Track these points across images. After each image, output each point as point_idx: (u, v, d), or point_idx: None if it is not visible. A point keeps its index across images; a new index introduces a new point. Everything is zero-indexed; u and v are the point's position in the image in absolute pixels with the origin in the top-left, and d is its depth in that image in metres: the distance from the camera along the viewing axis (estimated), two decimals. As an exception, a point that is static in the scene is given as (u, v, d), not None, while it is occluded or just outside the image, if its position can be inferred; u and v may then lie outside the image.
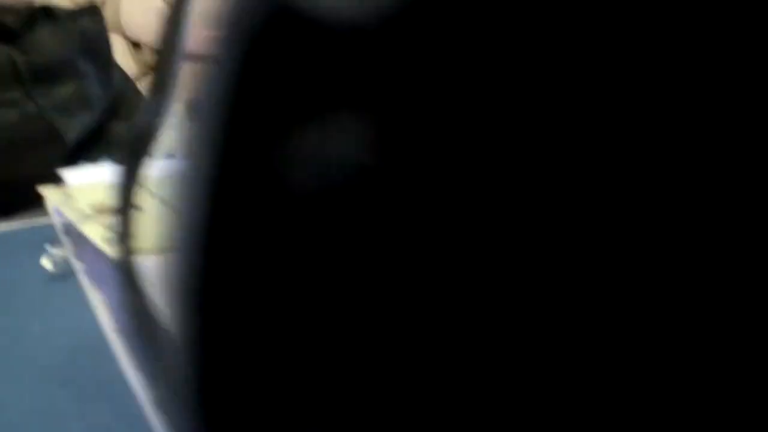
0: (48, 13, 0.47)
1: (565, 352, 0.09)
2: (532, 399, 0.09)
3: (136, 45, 1.28)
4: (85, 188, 0.36)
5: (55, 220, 0.37)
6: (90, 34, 0.47)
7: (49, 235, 0.35)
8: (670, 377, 0.09)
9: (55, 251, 0.35)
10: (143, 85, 1.21)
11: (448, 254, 0.09)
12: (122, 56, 1.24)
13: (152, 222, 0.13)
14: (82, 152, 0.45)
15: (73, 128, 0.46)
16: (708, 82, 0.08)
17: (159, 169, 0.16)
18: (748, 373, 0.09)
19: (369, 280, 0.09)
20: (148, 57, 1.27)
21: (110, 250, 0.28)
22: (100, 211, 0.34)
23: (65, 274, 0.33)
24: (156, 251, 0.11)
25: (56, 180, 0.38)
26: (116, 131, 0.47)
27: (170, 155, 0.12)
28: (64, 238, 0.35)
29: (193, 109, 0.10)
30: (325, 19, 0.08)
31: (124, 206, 0.17)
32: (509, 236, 0.09)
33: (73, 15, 0.48)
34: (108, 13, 1.28)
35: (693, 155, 0.08)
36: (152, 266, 0.13)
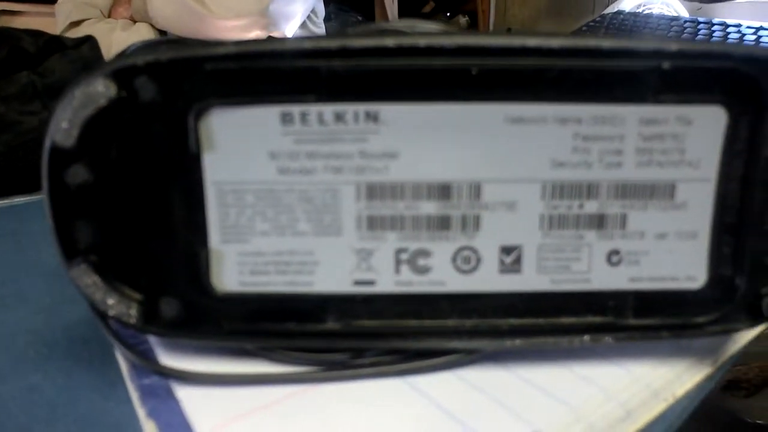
0: (57, 42, 0.58)
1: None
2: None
3: (163, 34, 1.31)
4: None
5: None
6: (90, 60, 0.56)
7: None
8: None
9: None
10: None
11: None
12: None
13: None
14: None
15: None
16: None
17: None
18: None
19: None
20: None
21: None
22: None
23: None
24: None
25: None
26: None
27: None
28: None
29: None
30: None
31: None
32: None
33: (77, 44, 0.58)
34: (137, 4, 1.31)
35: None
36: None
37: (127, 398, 0.24)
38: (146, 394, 0.24)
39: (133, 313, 0.23)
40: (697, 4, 1.44)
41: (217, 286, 0.24)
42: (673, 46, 0.21)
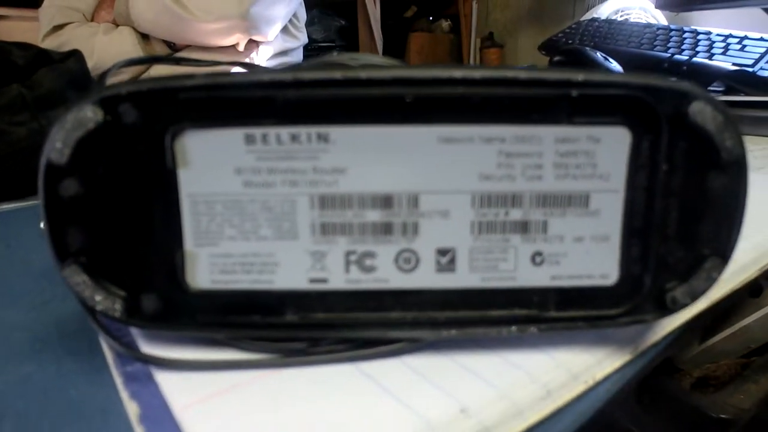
0: (45, 56, 0.61)
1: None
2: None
3: (145, 37, 1.35)
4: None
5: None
6: (76, 72, 0.59)
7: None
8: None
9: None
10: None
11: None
12: (132, 47, 1.31)
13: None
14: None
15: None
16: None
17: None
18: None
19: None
20: (157, 49, 1.36)
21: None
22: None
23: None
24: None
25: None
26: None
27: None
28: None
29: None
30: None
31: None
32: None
33: (63, 58, 0.60)
34: (120, 8, 1.32)
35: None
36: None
37: (112, 383, 0.27)
38: (129, 379, 0.27)
39: (117, 307, 0.26)
40: (672, 12, 1.49)
41: (192, 283, 0.27)
42: (580, 77, 0.25)
